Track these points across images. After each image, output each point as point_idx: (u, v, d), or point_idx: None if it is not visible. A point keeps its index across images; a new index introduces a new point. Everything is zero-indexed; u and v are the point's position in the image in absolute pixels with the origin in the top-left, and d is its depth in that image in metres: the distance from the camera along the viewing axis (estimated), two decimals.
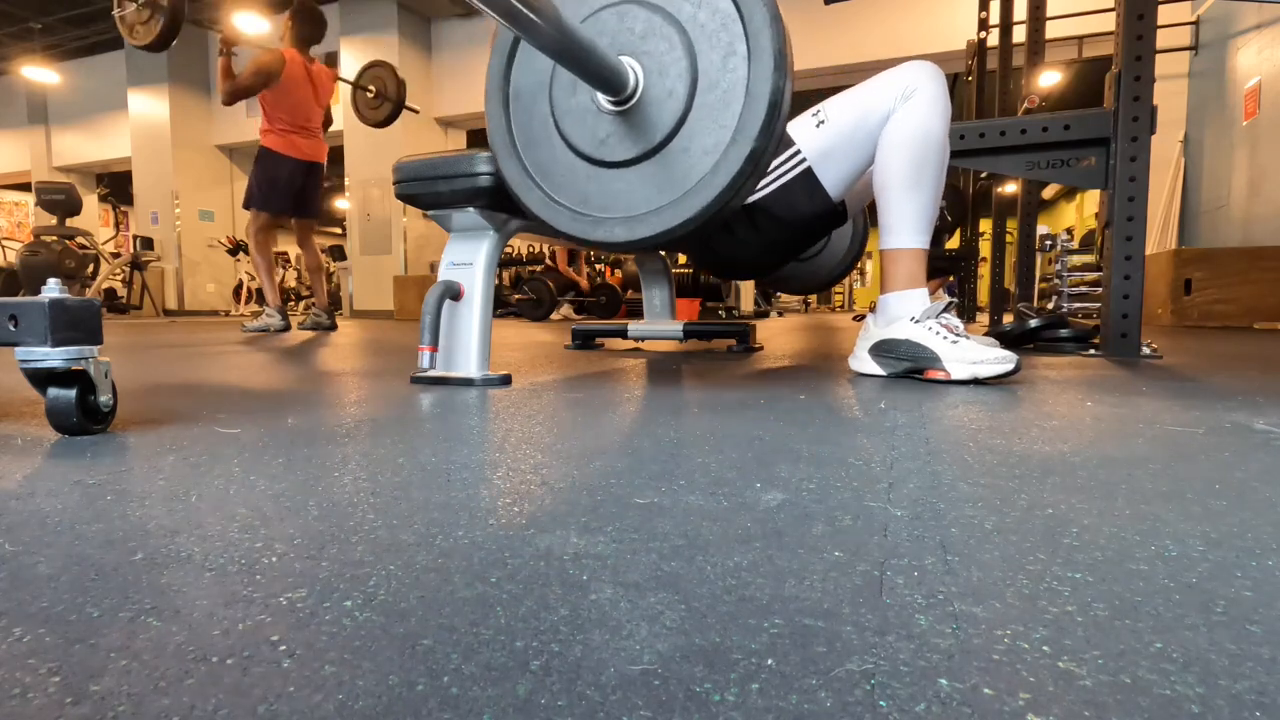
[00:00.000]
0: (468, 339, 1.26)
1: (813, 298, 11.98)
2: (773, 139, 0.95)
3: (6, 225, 11.56)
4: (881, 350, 1.33)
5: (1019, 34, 3.63)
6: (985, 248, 4.60)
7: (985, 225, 4.92)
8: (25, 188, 11.06)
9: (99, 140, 10.44)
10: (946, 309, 1.28)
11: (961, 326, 1.25)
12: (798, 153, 1.40)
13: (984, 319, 4.78)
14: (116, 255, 7.73)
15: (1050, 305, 3.00)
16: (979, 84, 4.02)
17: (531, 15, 0.75)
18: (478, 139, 8.91)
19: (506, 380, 1.24)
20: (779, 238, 1.50)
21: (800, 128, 1.41)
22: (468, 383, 1.21)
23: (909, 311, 1.29)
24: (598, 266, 7.39)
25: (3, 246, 7.89)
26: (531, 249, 8.01)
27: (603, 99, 1.01)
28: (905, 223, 1.32)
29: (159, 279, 9.07)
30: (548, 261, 7.02)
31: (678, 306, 2.39)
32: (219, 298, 9.86)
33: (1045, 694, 0.26)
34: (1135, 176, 1.76)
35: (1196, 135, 5.57)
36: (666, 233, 1.00)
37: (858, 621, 0.32)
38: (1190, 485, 0.55)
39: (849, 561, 0.39)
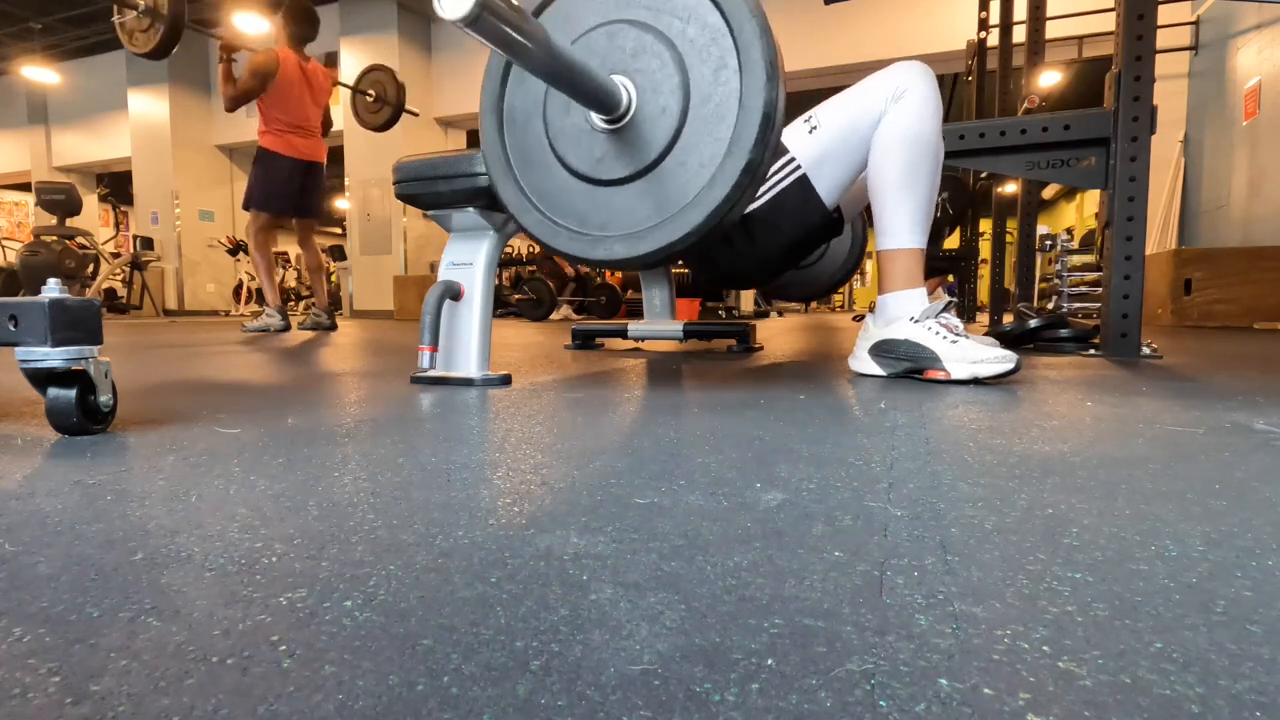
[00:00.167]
0: (468, 339, 1.26)
1: None
2: (768, 150, 0.96)
3: (6, 225, 11.56)
4: (881, 350, 1.33)
5: (1019, 34, 3.63)
6: (985, 248, 4.60)
7: (985, 225, 4.92)
8: (25, 188, 11.07)
9: (99, 140, 10.44)
10: (946, 309, 1.28)
11: (961, 326, 1.25)
12: (792, 160, 1.40)
13: (984, 319, 4.78)
14: (116, 255, 7.73)
15: (1050, 305, 2.99)
16: (979, 84, 4.02)
17: (522, 40, 0.75)
18: (478, 139, 8.89)
19: (506, 380, 1.24)
20: (776, 247, 1.49)
21: (793, 135, 1.41)
22: (468, 383, 1.21)
23: (908, 311, 1.29)
24: None
25: (3, 246, 7.89)
26: (531, 249, 8.02)
27: (597, 118, 1.02)
28: (901, 223, 1.32)
29: (159, 279, 9.07)
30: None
31: (678, 306, 2.39)
32: (219, 298, 9.86)
33: (1045, 694, 0.26)
34: (1135, 176, 1.76)
35: (1196, 135, 5.57)
36: (667, 248, 1.00)
37: (858, 621, 0.32)
38: (1190, 485, 0.55)
39: (849, 561, 0.39)
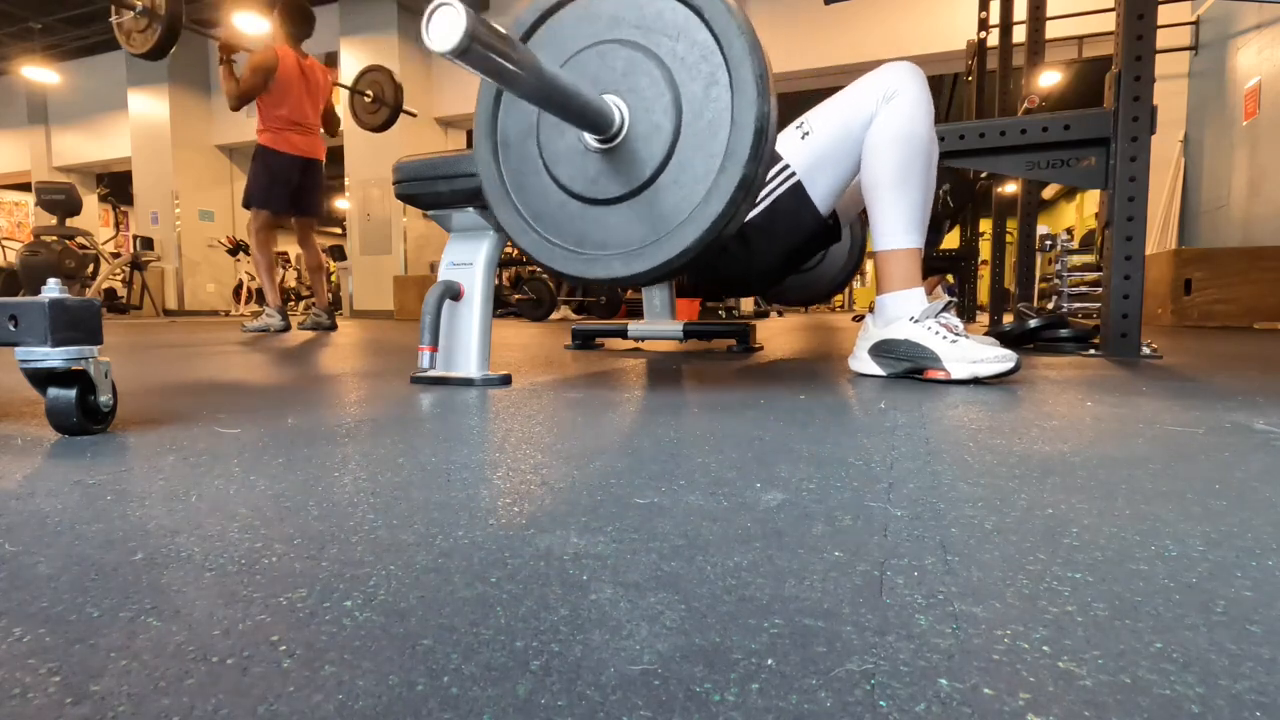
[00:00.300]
0: (468, 339, 1.26)
1: None
2: (762, 164, 0.96)
3: (6, 225, 11.56)
4: (881, 350, 1.33)
5: (1019, 34, 3.63)
6: (985, 248, 4.60)
7: (985, 225, 4.92)
8: (25, 188, 11.07)
9: (99, 140, 10.45)
10: (945, 308, 1.28)
11: (961, 326, 1.25)
12: (786, 167, 1.40)
13: (984, 319, 4.78)
14: (116, 255, 7.73)
15: (1050, 305, 3.00)
16: (979, 84, 4.02)
17: (512, 68, 0.75)
18: None
19: (506, 380, 1.24)
20: (773, 255, 1.49)
21: (786, 141, 1.41)
22: (468, 383, 1.21)
23: (907, 311, 1.29)
24: None
25: (3, 246, 7.89)
26: None
27: (590, 138, 1.02)
28: (897, 223, 1.32)
29: (159, 279, 9.08)
30: None
31: (678, 306, 2.39)
32: (219, 298, 9.87)
33: (1045, 694, 0.26)
34: (1135, 176, 1.76)
35: (1196, 135, 5.57)
36: (664, 265, 1.00)
37: (858, 621, 0.32)
38: (1190, 485, 0.55)
39: (849, 561, 0.39)
